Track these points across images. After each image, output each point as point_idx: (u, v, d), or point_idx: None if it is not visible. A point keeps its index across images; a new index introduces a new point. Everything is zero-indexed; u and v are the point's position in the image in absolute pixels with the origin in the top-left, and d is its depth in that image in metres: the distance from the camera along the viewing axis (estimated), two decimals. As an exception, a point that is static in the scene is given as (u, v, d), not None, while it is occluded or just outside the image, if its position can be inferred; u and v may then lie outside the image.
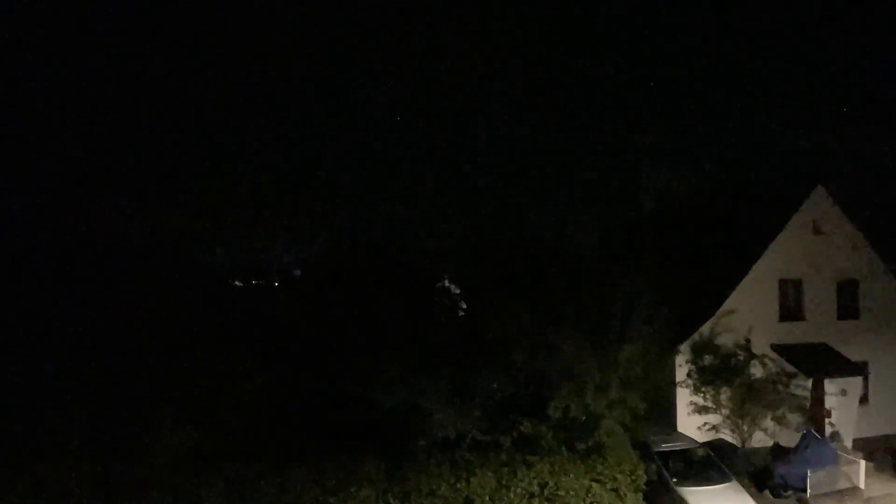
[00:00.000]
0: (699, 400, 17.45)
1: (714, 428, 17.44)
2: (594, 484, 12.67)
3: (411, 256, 20.39)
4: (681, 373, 17.63)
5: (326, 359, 15.81)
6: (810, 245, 18.78)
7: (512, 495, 12.23)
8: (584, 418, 13.19)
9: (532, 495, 12.32)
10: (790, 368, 17.50)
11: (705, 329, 17.70)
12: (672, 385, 17.55)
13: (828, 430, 17.45)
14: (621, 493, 12.79)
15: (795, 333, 18.60)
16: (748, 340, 17.62)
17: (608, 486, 12.78)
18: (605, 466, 12.99)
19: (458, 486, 12.15)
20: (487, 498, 12.11)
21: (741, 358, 17.37)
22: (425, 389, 13.09)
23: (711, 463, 14.60)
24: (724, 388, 17.29)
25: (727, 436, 17.44)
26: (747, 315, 17.84)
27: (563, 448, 13.17)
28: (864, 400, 18.70)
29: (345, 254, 20.42)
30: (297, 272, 27.40)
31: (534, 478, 12.45)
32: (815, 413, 17.71)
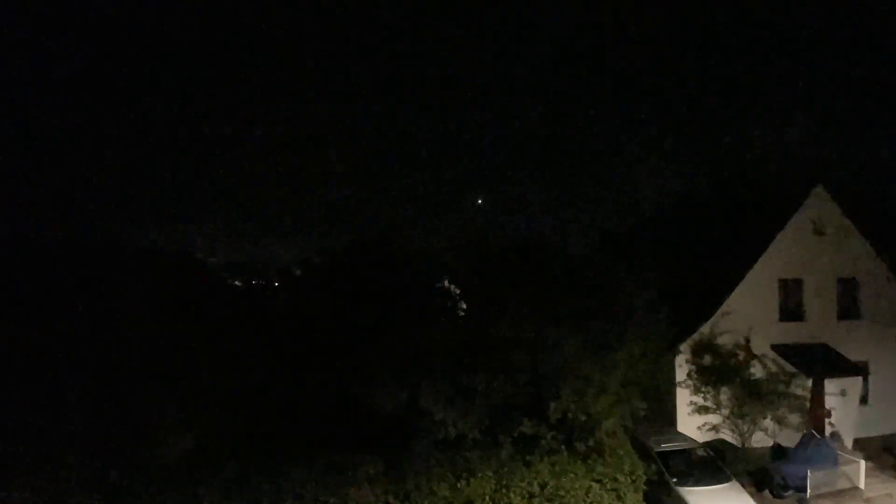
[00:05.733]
0: (699, 400, 17.44)
1: (714, 428, 17.43)
2: (594, 484, 12.67)
3: (411, 256, 20.38)
4: (681, 373, 17.62)
5: (327, 359, 15.82)
6: (810, 245, 18.77)
7: (512, 495, 12.22)
8: (584, 419, 13.17)
9: (532, 495, 12.32)
10: (790, 368, 17.50)
11: (705, 329, 17.69)
12: (672, 385, 17.54)
13: (828, 430, 17.43)
14: (621, 494, 12.79)
15: (795, 333, 18.58)
16: (748, 340, 17.63)
17: (608, 487, 12.78)
18: (605, 467, 12.99)
19: (458, 486, 12.15)
20: (487, 498, 12.11)
21: (741, 358, 17.37)
22: (425, 390, 13.08)
23: (711, 463, 14.60)
24: (724, 388, 17.29)
25: (727, 436, 17.43)
26: (747, 315, 17.84)
27: (564, 448, 13.17)
28: (864, 400, 18.68)
29: (345, 254, 20.41)
30: (297, 272, 27.37)
31: (534, 478, 12.45)
32: (815, 413, 17.70)
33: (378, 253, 19.39)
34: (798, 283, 18.90)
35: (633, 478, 13.07)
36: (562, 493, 12.36)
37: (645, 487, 13.20)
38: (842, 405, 17.84)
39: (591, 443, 13.20)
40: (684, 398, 17.55)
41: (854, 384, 17.99)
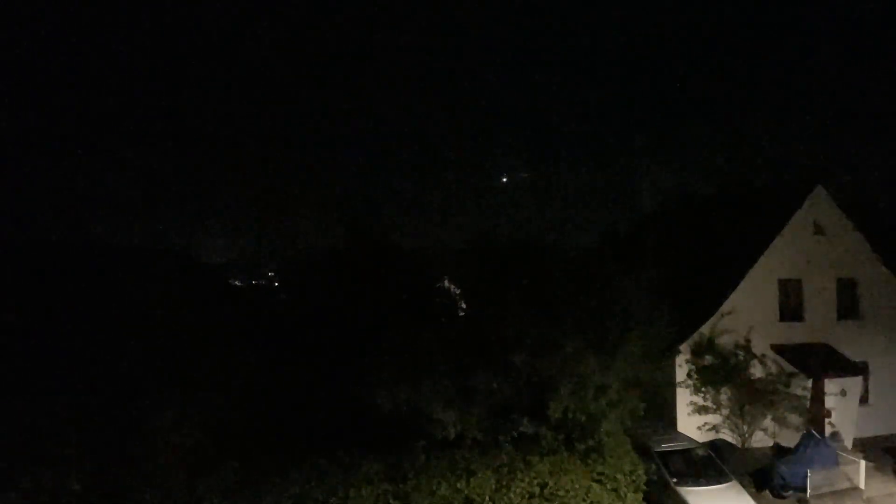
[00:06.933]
0: (699, 400, 17.46)
1: (714, 428, 17.44)
2: (594, 484, 12.66)
3: (411, 257, 20.38)
4: (681, 373, 17.63)
5: (327, 359, 15.81)
6: (810, 245, 18.79)
7: (512, 495, 12.20)
8: (584, 418, 13.17)
9: (532, 495, 12.30)
10: (790, 368, 17.51)
11: (705, 329, 17.71)
12: (672, 385, 17.55)
13: (828, 430, 17.44)
14: (621, 493, 12.78)
15: (795, 333, 18.60)
16: (748, 340, 17.64)
17: (608, 486, 12.77)
18: (605, 466, 12.99)
19: (458, 486, 12.14)
20: (487, 498, 12.09)
21: (741, 358, 17.38)
22: (425, 390, 13.08)
23: (711, 463, 14.60)
24: (724, 388, 17.30)
25: (727, 436, 17.44)
26: (747, 315, 17.86)
27: (563, 448, 13.16)
28: (864, 400, 18.69)
29: (345, 254, 20.40)
30: (298, 271, 27.33)
31: (534, 478, 12.44)
32: (815, 413, 17.71)
33: (378, 253, 19.37)
34: (798, 283, 18.92)
35: (633, 477, 13.07)
36: (562, 492, 12.34)
37: (645, 487, 13.20)
38: (842, 405, 17.85)
39: (590, 443, 13.20)
40: (684, 398, 17.56)
41: (854, 384, 17.99)
